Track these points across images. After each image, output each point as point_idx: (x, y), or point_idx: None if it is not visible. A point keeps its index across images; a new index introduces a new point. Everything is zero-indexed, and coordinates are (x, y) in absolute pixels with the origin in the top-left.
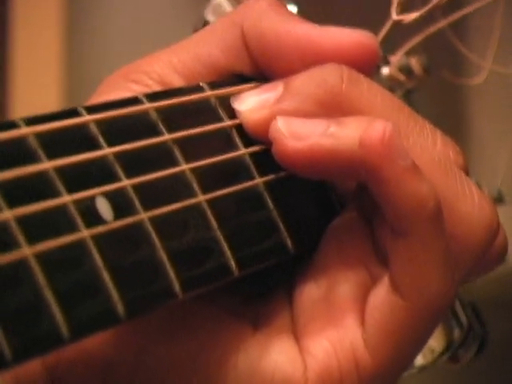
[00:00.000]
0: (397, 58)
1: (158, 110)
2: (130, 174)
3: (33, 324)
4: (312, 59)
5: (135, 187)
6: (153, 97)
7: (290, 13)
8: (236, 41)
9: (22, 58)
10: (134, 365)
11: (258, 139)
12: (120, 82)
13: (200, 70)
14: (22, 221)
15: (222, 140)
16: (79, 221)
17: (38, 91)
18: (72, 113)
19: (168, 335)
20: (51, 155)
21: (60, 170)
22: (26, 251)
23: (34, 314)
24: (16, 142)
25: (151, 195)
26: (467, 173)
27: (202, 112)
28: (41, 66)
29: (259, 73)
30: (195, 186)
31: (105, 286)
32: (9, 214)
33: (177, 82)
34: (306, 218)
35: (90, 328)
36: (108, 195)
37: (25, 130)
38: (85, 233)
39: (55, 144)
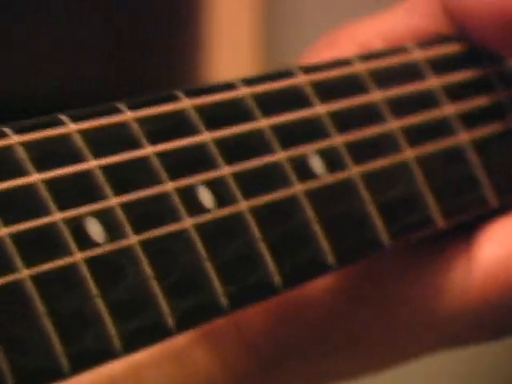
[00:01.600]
0: None
1: (370, 70)
2: (341, 131)
3: (248, 273)
4: None
5: (347, 144)
6: (364, 58)
7: None
8: (438, 7)
9: (219, 18)
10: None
11: None
12: (327, 45)
13: (406, 38)
14: (239, 176)
15: (427, 98)
16: (292, 176)
17: (234, 52)
18: (287, 73)
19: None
20: (266, 113)
21: (275, 127)
22: (242, 206)
23: (249, 264)
24: (233, 101)
25: (362, 151)
26: None
27: (408, 72)
28: (237, 25)
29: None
30: (402, 142)
31: (316, 237)
32: (229, 170)
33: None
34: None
35: (300, 276)
36: (321, 152)
37: (242, 91)
38: (297, 188)
39: (270, 102)
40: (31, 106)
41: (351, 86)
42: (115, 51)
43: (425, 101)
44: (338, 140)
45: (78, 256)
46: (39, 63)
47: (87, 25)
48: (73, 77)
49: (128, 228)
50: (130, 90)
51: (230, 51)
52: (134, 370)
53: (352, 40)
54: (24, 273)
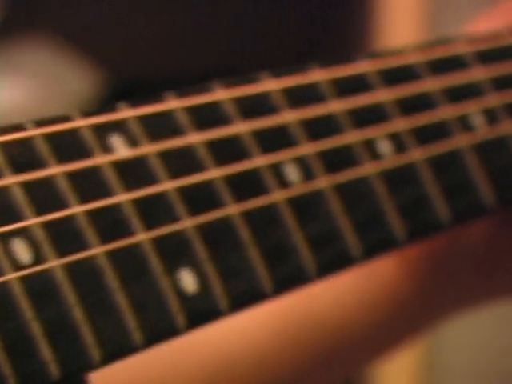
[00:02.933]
0: None
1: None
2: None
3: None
4: None
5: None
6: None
7: None
8: None
9: None
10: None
11: None
12: (484, 17)
13: None
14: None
15: None
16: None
17: (399, 21)
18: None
19: None
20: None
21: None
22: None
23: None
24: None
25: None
26: None
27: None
28: None
29: None
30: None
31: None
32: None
33: None
34: None
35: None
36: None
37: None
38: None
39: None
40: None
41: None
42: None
43: None
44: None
45: (278, 196)
46: (197, 39)
47: None
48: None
49: (320, 171)
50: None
51: (396, 21)
52: (332, 286)
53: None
54: (234, 209)
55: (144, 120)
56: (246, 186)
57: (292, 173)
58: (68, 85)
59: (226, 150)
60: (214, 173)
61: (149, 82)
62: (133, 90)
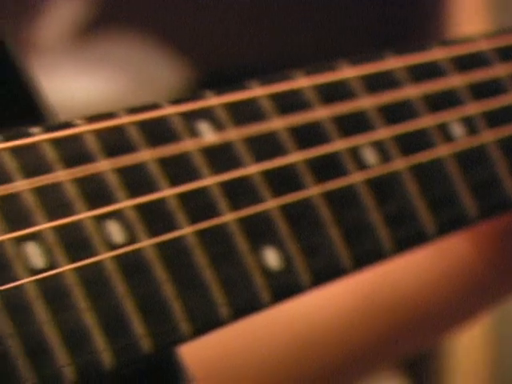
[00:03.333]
0: None
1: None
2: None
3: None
4: None
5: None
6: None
7: None
8: None
9: None
10: None
11: None
12: None
13: None
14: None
15: None
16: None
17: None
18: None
19: None
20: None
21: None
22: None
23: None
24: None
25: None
26: None
27: None
28: None
29: None
30: None
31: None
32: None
33: None
34: None
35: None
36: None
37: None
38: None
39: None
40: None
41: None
42: None
43: None
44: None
45: (357, 177)
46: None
47: None
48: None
49: (396, 154)
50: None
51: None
52: (410, 261)
53: None
54: (315, 190)
55: (229, 107)
56: (327, 168)
57: (370, 155)
58: (157, 76)
59: (307, 135)
60: (296, 156)
61: (233, 70)
62: (218, 79)
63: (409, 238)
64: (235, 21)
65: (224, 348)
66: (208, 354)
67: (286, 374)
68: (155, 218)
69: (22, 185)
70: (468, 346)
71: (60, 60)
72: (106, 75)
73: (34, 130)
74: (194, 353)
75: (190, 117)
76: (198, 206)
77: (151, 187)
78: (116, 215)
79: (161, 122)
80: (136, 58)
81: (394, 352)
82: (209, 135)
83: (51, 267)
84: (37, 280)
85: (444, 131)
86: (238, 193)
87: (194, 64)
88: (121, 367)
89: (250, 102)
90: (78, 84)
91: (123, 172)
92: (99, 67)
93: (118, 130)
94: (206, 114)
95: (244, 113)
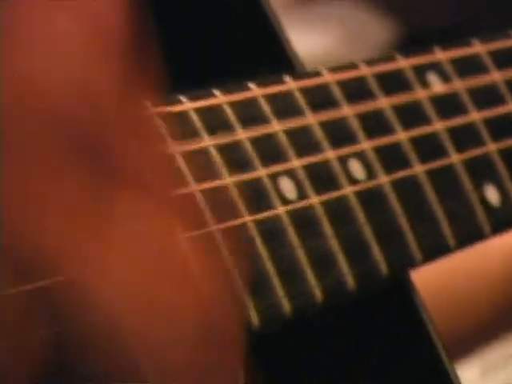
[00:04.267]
0: None
1: None
2: None
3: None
4: None
5: None
6: None
7: None
8: None
9: None
10: None
11: None
12: None
13: None
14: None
15: None
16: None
17: None
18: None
19: None
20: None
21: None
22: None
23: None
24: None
25: None
26: None
27: None
28: None
29: None
30: None
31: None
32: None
33: None
34: None
35: None
36: None
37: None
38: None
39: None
40: None
41: None
42: None
43: None
44: None
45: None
46: None
47: None
48: None
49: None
50: None
51: None
52: None
53: None
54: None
55: (454, 61)
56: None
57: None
58: (368, 33)
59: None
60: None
61: (431, 31)
62: (426, 37)
63: None
64: None
65: (449, 273)
66: (434, 278)
67: (500, 299)
68: (391, 157)
69: (276, 126)
70: None
71: (289, 16)
72: (324, 32)
73: (286, 78)
74: (423, 276)
75: (421, 69)
76: (429, 147)
77: (387, 131)
78: (357, 155)
79: (395, 73)
80: (349, 17)
81: None
82: (437, 85)
83: (301, 198)
84: (289, 210)
85: None
86: (463, 137)
87: (400, 24)
88: (362, 290)
89: (472, 57)
90: (302, 38)
91: (363, 117)
92: (318, 25)
93: (359, 79)
94: (435, 66)
95: (466, 66)
